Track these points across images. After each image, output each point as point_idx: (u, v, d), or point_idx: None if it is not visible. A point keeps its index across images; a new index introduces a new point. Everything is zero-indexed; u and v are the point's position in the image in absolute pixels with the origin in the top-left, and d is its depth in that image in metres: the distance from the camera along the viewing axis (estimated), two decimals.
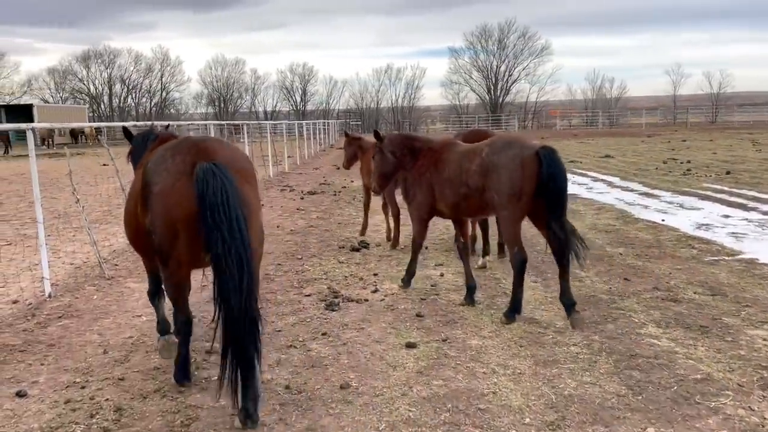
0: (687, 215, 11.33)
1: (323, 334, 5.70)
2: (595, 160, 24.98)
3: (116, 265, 8.55)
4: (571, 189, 15.87)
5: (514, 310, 5.86)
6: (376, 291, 7.04)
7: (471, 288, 6.45)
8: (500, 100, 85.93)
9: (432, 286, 7.16)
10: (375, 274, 7.83)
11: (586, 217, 11.43)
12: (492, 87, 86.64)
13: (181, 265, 4.09)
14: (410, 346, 5.32)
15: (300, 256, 8.83)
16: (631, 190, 15.17)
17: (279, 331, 5.81)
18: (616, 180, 17.53)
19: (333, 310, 6.41)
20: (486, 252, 8.21)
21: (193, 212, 3.77)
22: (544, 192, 5.50)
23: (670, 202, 12.90)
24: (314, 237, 10.32)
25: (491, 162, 5.70)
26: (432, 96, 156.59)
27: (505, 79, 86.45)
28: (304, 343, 5.50)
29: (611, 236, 9.59)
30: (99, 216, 12.82)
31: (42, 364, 5.15)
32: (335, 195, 16.01)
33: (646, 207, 12.42)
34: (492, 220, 7.98)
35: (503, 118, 74.90)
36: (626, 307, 6.20)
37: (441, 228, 10.78)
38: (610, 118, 71.63)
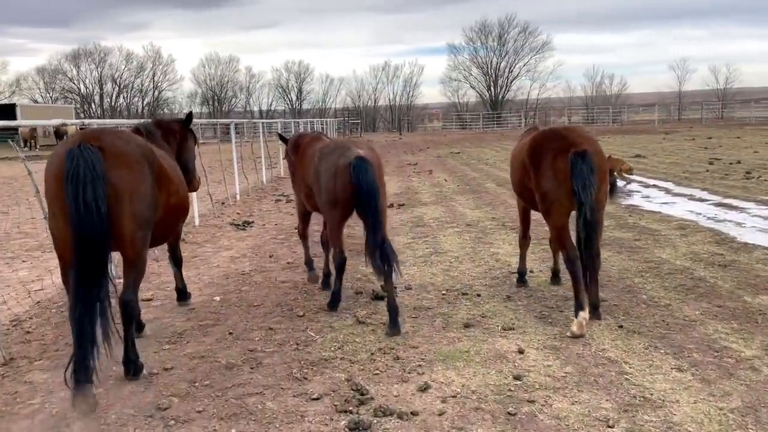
0: None
1: None
2: (627, 160, 22.29)
3: (29, 332, 5.79)
4: (626, 198, 13.28)
5: (334, 301, 6.15)
6: (426, 388, 4.34)
7: (326, 275, 6.79)
8: (500, 97, 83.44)
9: (515, 378, 4.45)
10: (415, 347, 5.14)
11: (674, 240, 8.73)
12: (492, 84, 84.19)
13: (62, 245, 4.14)
14: None
15: (301, 312, 6.11)
16: (700, 199, 12.50)
17: None
18: (670, 185, 14.88)
19: None
20: (579, 304, 5.29)
21: (60, 192, 3.97)
22: (356, 200, 5.57)
23: (766, 218, 10.24)
24: (319, 275, 7.61)
25: (317, 167, 5.85)
26: (431, 94, 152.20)
27: (505, 76, 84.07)
28: None
29: (733, 274, 6.90)
30: (35, 245, 10.07)
31: None
32: None
33: (740, 224, 9.76)
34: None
35: (504, 115, 72.19)
36: None
37: (488, 260, 8.09)
38: (612, 115, 68.70)
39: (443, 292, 6.69)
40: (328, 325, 5.73)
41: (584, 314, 5.28)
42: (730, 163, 19.09)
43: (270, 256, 8.68)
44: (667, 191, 14.00)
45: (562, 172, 5.22)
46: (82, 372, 3.92)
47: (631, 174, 15.84)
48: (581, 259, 5.39)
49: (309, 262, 7.34)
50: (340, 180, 5.55)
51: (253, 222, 11.54)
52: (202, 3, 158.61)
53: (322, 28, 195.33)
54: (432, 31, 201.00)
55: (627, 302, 6.08)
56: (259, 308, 6.29)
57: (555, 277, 6.90)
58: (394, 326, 5.42)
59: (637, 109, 77.28)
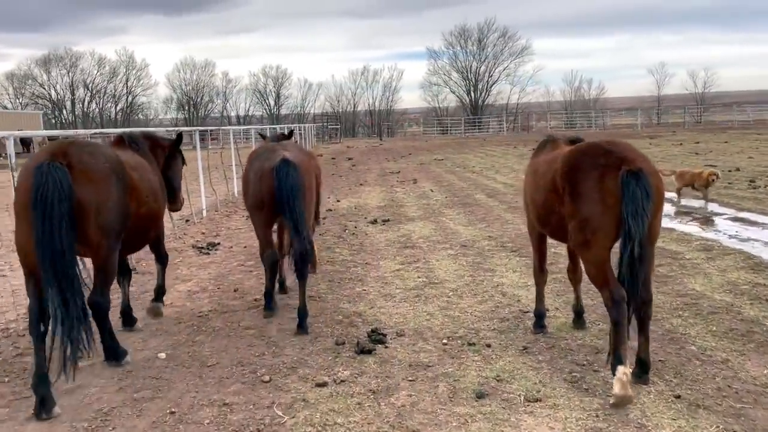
0: None
1: None
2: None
3: None
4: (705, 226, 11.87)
5: (268, 302, 6.20)
6: None
7: (268, 292, 6.34)
8: (480, 101, 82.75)
9: None
10: None
11: (703, 266, 7.59)
12: (472, 88, 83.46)
13: (26, 254, 4.35)
14: None
15: (267, 377, 4.78)
16: (713, 213, 11.46)
17: None
18: (674, 196, 13.80)
19: None
20: (618, 358, 4.17)
21: (28, 208, 4.22)
22: (277, 204, 5.57)
23: None
24: (293, 316, 6.31)
25: (247, 171, 5.95)
26: (411, 99, 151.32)
27: (485, 80, 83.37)
28: None
29: None
30: None
31: None
32: (318, 224, 11.93)
33: None
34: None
35: (484, 120, 71.35)
36: None
37: (493, 294, 6.87)
38: (594, 119, 68.21)
39: (444, 340, 5.46)
40: (301, 396, 4.44)
41: (624, 369, 4.10)
42: (729, 171, 18.11)
43: (235, 290, 7.35)
44: (674, 203, 12.95)
45: (612, 195, 4.20)
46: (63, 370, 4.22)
47: (715, 182, 12.74)
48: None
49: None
50: (264, 183, 5.58)
51: (218, 244, 10.20)
52: (180, 8, 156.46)
53: (300, 33, 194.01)
54: (411, 36, 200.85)
55: (675, 356, 4.90)
56: (213, 369, 4.97)
57: (578, 319, 5.71)
58: (301, 329, 5.68)
59: (619, 113, 77.00)
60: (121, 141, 5.67)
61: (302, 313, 5.75)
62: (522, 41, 80.00)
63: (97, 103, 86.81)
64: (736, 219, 10.73)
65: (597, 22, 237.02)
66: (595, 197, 4.25)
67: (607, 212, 4.22)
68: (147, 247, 6.08)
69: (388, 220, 12.18)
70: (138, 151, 5.61)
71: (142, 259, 8.64)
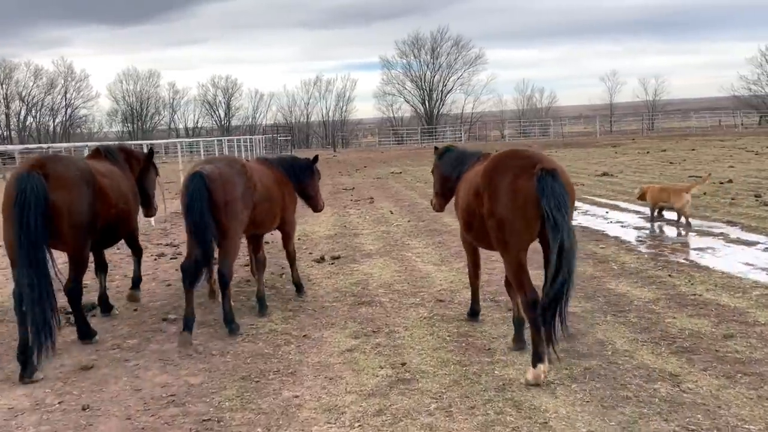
0: None
1: None
2: (597, 181, 19.33)
3: None
4: (631, 236, 9.70)
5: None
6: None
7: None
8: (436, 111, 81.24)
9: None
10: None
11: None
12: (426, 98, 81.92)
13: (11, 248, 5.23)
14: None
15: None
16: (741, 241, 9.28)
17: None
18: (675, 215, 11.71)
19: None
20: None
21: (10, 209, 5.10)
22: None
23: None
24: None
25: None
26: (365, 109, 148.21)
27: (439, 90, 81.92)
28: None
29: None
30: None
31: None
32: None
33: None
34: None
35: (440, 130, 69.56)
36: None
37: (503, 408, 4.35)
38: (553, 127, 67.22)
39: None
40: None
41: (544, 367, 4.36)
42: (722, 183, 16.22)
43: (136, 386, 4.60)
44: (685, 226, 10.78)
45: (523, 195, 4.37)
46: (35, 353, 4.97)
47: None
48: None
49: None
50: (181, 194, 5.92)
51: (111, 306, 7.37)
52: (125, 19, 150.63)
53: (251, 44, 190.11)
54: (363, 46, 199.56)
55: None
56: None
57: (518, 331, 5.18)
58: (184, 335, 5.73)
59: (574, 120, 76.46)
60: (98, 152, 6.64)
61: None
62: (475, 50, 78.86)
63: (34, 117, 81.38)
64: (763, 247, 8.56)
65: (544, 33, 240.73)
66: (508, 197, 4.39)
67: (518, 212, 4.37)
68: None
69: (339, 257, 9.62)
70: (112, 161, 6.54)
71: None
